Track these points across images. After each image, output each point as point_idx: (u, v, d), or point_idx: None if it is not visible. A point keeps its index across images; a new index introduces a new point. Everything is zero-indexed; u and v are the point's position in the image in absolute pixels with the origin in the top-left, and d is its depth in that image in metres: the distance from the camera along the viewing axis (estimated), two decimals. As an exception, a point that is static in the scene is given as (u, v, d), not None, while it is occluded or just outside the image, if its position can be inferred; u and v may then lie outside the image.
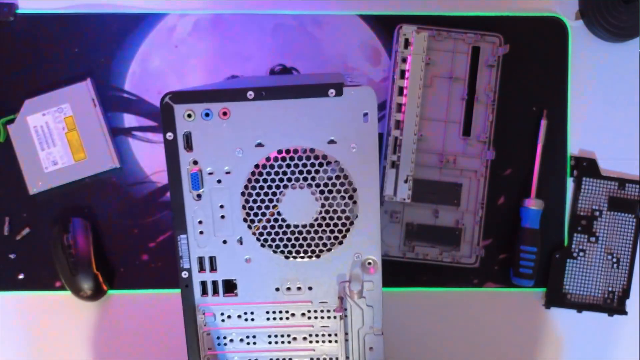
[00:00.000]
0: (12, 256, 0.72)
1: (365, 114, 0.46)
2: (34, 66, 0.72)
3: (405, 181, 0.70)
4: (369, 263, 0.48)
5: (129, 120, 0.73)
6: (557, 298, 0.73)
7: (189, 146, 0.47)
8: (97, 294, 0.70)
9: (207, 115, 0.46)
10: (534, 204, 0.72)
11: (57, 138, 0.71)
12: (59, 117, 0.70)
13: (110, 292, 0.72)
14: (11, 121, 0.71)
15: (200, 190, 0.48)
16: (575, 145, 0.74)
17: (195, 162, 0.47)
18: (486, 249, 0.73)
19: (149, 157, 0.72)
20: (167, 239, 0.72)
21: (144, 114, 0.72)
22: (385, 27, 0.73)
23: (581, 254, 0.73)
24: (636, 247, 0.73)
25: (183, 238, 0.48)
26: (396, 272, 0.73)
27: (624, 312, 0.73)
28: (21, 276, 0.72)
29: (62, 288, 0.71)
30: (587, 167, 0.73)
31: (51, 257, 0.70)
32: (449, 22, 0.72)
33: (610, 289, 0.73)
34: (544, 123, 0.72)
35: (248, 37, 0.73)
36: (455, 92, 0.72)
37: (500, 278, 0.74)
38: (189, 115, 0.46)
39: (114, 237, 0.72)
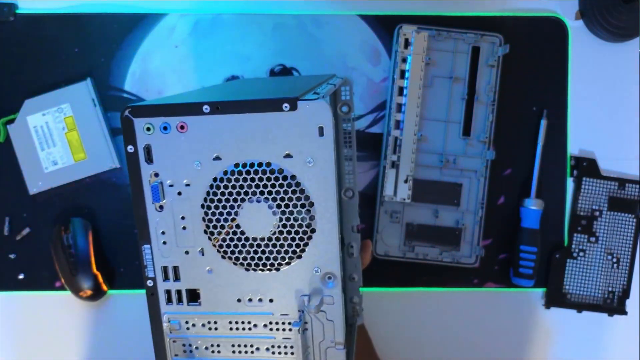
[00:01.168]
0: (12, 256, 0.72)
1: (321, 128, 0.45)
2: (34, 66, 0.72)
3: (405, 181, 0.70)
4: (329, 277, 0.47)
5: (129, 120, 0.73)
6: (557, 298, 0.73)
7: (149, 159, 0.48)
8: (97, 294, 0.70)
9: (165, 128, 0.47)
10: (534, 204, 0.72)
11: (57, 138, 0.71)
12: (59, 117, 0.70)
13: (110, 292, 0.72)
14: (11, 121, 0.71)
15: (162, 202, 0.48)
16: (575, 145, 0.74)
17: (156, 175, 0.48)
18: (486, 249, 0.73)
19: (149, 157, 0.72)
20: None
21: (144, 114, 0.72)
22: (385, 27, 0.73)
23: (581, 254, 0.73)
24: (636, 247, 0.73)
25: (147, 248, 0.49)
26: (396, 272, 0.73)
27: (624, 312, 0.73)
28: (21, 276, 0.72)
29: (62, 288, 0.71)
30: (587, 167, 0.73)
31: (51, 257, 0.70)
32: (449, 22, 0.72)
33: (610, 289, 0.73)
34: (544, 123, 0.72)
35: (248, 37, 0.73)
36: (455, 92, 0.72)
37: (500, 278, 0.74)
38: (148, 129, 0.47)
39: (114, 237, 0.72)
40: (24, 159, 0.71)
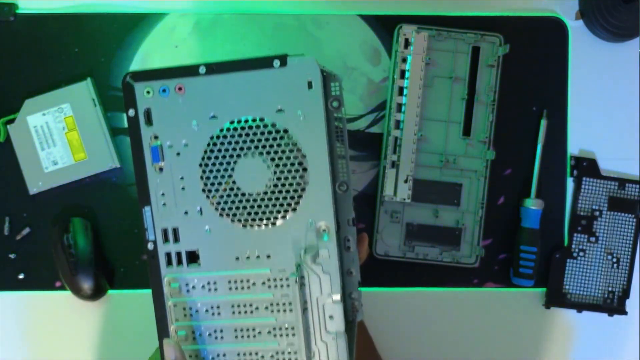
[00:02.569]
0: (12, 256, 0.72)
1: (310, 82, 0.48)
2: (34, 66, 0.72)
3: (405, 181, 0.70)
4: (324, 230, 0.49)
5: (129, 120, 0.73)
6: (557, 298, 0.73)
7: (149, 121, 0.50)
8: (97, 294, 0.70)
9: (164, 91, 0.49)
10: (534, 204, 0.72)
11: (57, 138, 0.71)
12: (59, 117, 0.70)
13: (110, 292, 0.72)
14: (11, 121, 0.71)
15: (161, 163, 0.50)
16: (575, 145, 0.74)
17: (156, 137, 0.50)
18: (486, 249, 0.73)
19: (149, 157, 0.72)
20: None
21: (144, 114, 0.72)
22: (385, 27, 0.73)
23: (581, 254, 0.73)
24: (636, 247, 0.73)
25: (147, 210, 0.51)
26: (396, 272, 0.73)
27: (624, 312, 0.73)
28: (21, 276, 0.72)
29: (62, 288, 0.71)
30: (587, 167, 0.73)
31: (51, 257, 0.70)
32: (449, 22, 0.72)
33: (610, 289, 0.73)
34: (544, 123, 0.72)
35: (248, 37, 0.73)
36: (455, 92, 0.72)
37: (500, 278, 0.74)
38: (148, 92, 0.50)
39: (114, 237, 0.72)
40: (24, 159, 0.71)
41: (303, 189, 0.49)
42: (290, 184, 0.49)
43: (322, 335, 0.49)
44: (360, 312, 0.54)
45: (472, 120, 0.71)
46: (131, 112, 0.50)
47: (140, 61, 0.73)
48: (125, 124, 0.73)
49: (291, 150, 0.49)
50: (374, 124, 0.73)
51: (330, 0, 0.73)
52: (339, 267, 0.49)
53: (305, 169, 0.49)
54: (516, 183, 0.73)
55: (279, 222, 0.49)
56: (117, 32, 0.72)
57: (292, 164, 0.49)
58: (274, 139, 0.49)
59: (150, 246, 0.51)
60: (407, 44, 0.70)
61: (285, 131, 0.49)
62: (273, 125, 0.49)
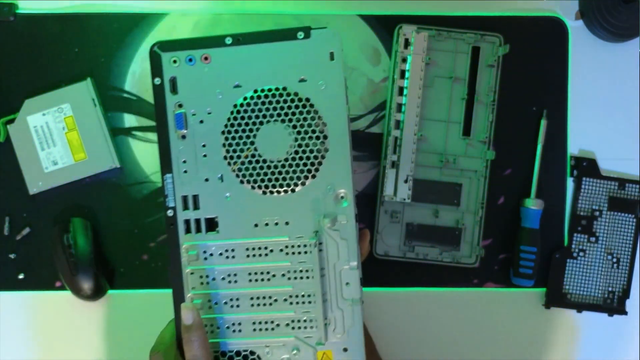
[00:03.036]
0: (12, 256, 0.72)
1: (332, 53, 0.50)
2: (34, 66, 0.72)
3: (405, 181, 0.70)
4: (342, 197, 0.50)
5: (129, 120, 0.73)
6: (557, 298, 0.73)
7: (174, 90, 0.51)
8: (97, 294, 0.70)
9: (190, 60, 0.51)
10: (534, 204, 0.72)
11: (57, 138, 0.71)
12: (59, 117, 0.70)
13: (110, 292, 0.72)
14: (11, 121, 0.71)
15: (184, 131, 0.51)
16: (575, 145, 0.74)
17: (180, 105, 0.51)
18: (486, 249, 0.73)
19: (149, 157, 0.72)
20: (167, 239, 0.71)
21: (144, 114, 0.72)
22: (385, 27, 0.73)
23: (581, 254, 0.73)
24: (636, 247, 0.73)
25: (169, 177, 0.52)
26: (396, 272, 0.73)
27: (624, 312, 0.73)
28: (21, 276, 0.72)
29: (62, 288, 0.71)
30: (587, 167, 0.73)
31: (51, 257, 0.70)
32: (449, 22, 0.72)
33: (610, 289, 0.73)
34: (544, 123, 0.73)
35: (248, 37, 0.73)
36: (455, 92, 0.72)
37: (500, 278, 0.74)
38: (175, 61, 0.51)
39: (114, 237, 0.72)
40: (24, 159, 0.71)
41: (323, 156, 0.50)
42: (311, 151, 0.50)
43: (338, 302, 0.50)
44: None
45: (472, 120, 0.71)
46: (157, 80, 0.51)
47: (140, 61, 0.73)
48: (126, 124, 0.73)
49: (312, 118, 0.50)
50: (374, 124, 0.73)
51: (330, 0, 0.73)
52: (356, 234, 0.50)
53: (325, 137, 0.50)
54: (516, 183, 0.73)
55: (298, 188, 0.51)
56: (117, 32, 0.72)
57: (314, 131, 0.50)
58: (296, 107, 0.50)
59: (169, 213, 0.52)
60: (407, 44, 0.70)
61: (307, 100, 0.50)
62: (295, 94, 0.50)
